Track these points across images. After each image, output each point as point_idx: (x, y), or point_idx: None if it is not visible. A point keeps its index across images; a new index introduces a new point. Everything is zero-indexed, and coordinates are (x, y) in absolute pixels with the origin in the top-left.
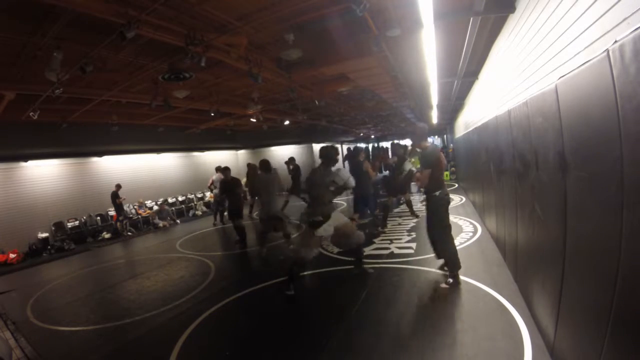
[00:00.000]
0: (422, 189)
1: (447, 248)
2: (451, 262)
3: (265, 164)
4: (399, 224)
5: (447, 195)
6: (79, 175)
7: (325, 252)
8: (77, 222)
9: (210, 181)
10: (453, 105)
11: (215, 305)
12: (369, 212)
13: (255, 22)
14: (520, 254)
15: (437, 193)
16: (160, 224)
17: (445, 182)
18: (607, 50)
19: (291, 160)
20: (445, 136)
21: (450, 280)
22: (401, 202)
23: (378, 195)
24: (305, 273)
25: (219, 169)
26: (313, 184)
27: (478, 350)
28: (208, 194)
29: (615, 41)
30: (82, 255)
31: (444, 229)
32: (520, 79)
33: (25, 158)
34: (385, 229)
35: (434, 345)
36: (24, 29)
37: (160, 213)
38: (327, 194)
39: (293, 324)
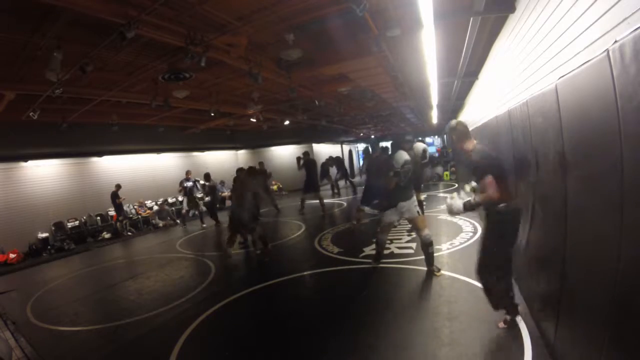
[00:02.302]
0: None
1: (502, 283)
2: (506, 302)
3: (251, 171)
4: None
5: (516, 211)
6: (79, 175)
7: (325, 252)
8: (77, 222)
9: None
10: (453, 105)
11: (215, 305)
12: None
13: (255, 22)
14: (520, 254)
15: (501, 206)
16: (160, 224)
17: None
18: (607, 50)
19: (304, 154)
20: (445, 136)
21: (508, 318)
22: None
23: None
24: (305, 273)
25: (207, 177)
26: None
27: (478, 350)
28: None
29: (615, 41)
30: (82, 255)
31: (505, 261)
32: (520, 79)
33: (25, 158)
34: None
35: (434, 345)
36: (24, 29)
37: (160, 213)
38: (388, 180)
39: (293, 324)
